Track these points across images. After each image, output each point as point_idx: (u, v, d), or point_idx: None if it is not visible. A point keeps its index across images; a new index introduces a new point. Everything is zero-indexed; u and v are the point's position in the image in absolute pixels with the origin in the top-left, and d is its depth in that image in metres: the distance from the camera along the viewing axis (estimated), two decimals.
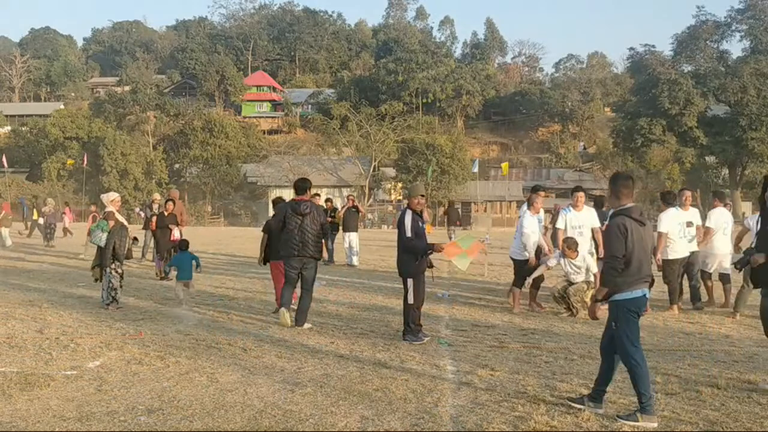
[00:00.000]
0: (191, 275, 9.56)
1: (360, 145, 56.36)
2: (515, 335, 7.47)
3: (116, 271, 9.10)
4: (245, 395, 5.07)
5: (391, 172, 54.82)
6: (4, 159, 50.56)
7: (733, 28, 55.03)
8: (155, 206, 16.12)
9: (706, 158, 51.99)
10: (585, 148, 70.02)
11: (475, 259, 7.86)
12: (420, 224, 7.21)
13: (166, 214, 13.18)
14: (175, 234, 12.93)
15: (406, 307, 7.12)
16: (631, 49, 63.11)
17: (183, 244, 10.24)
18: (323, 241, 8.19)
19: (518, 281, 9.21)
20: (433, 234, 29.93)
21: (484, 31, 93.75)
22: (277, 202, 9.47)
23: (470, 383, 5.43)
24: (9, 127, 70.76)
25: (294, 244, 7.80)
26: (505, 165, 50.79)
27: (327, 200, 17.35)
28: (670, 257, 9.03)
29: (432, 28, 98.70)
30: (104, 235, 9.02)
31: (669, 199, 9.35)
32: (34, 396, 5.04)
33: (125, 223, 9.55)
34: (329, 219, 15.73)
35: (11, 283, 11.92)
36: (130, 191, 51.49)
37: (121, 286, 9.24)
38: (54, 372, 5.72)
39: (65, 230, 26.61)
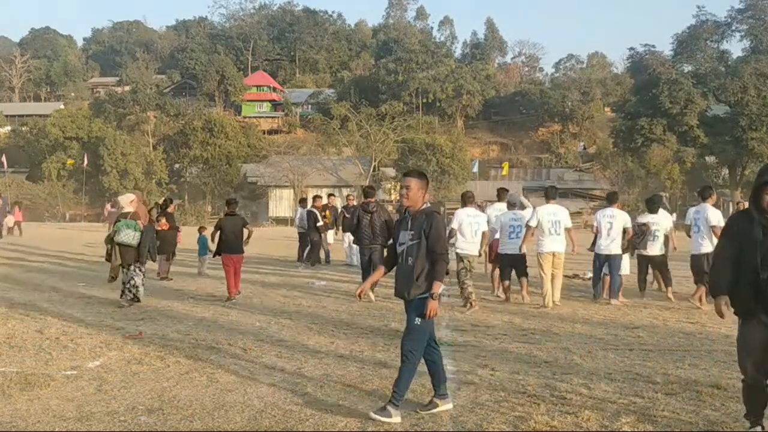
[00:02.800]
0: (206, 252, 12.99)
1: (360, 145, 56.36)
2: (515, 335, 7.46)
3: (140, 269, 9.35)
4: (245, 395, 5.06)
5: (391, 172, 54.81)
6: (4, 159, 50.63)
7: (733, 28, 55.12)
8: (124, 208, 16.15)
9: (706, 158, 52.03)
10: (585, 148, 70.04)
11: None
12: None
13: (170, 213, 13.24)
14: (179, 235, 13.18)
15: None
16: (631, 49, 63.23)
17: (202, 229, 14.09)
18: (386, 234, 9.97)
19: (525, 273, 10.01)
20: None
21: (484, 31, 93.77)
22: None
23: (470, 383, 5.43)
24: (9, 127, 70.79)
25: (366, 235, 10.19)
26: (505, 165, 50.81)
27: (315, 197, 16.88)
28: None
29: (432, 28, 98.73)
30: (137, 234, 9.18)
31: (552, 194, 9.93)
32: (34, 396, 5.03)
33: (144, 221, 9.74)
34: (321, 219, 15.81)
35: (11, 283, 11.92)
36: (131, 191, 51.44)
37: (168, 279, 9.70)
38: (54, 372, 5.72)
39: (10, 229, 26.90)
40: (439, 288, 4.61)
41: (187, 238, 16.53)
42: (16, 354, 6.40)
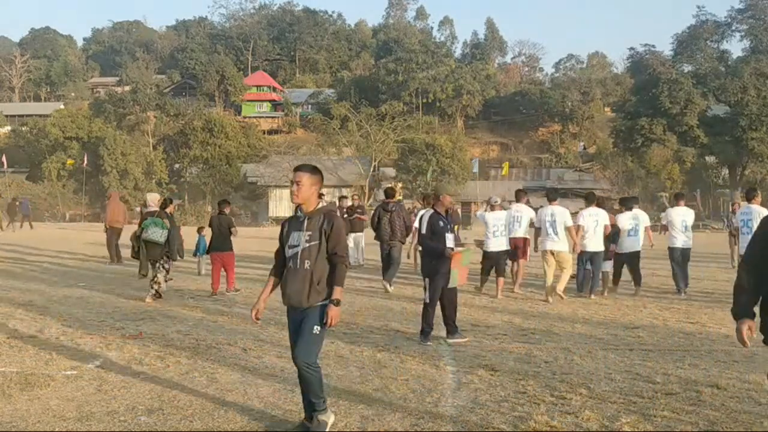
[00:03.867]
0: (205, 251, 12.81)
1: (360, 145, 56.35)
2: (515, 335, 7.46)
3: (164, 266, 9.86)
4: (245, 395, 5.06)
5: (391, 172, 54.82)
6: (4, 159, 50.60)
7: (734, 28, 55.13)
8: (151, 207, 16.12)
9: (706, 158, 52.03)
10: (585, 148, 70.05)
11: (460, 285, 8.06)
12: (440, 224, 7.20)
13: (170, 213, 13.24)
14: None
15: (424, 306, 7.17)
16: (631, 49, 63.17)
17: (200, 230, 13.95)
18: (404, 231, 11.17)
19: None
20: None
21: (484, 31, 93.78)
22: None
23: (470, 383, 5.43)
24: (9, 127, 70.79)
25: (385, 232, 11.39)
26: (505, 165, 50.79)
27: (341, 197, 17.78)
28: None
29: (432, 28, 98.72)
30: (164, 232, 9.68)
31: (552, 196, 10.71)
32: (34, 396, 5.03)
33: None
34: None
35: (11, 283, 11.92)
36: (130, 191, 51.54)
37: (166, 280, 10.01)
38: (54, 372, 5.72)
39: None
40: (340, 293, 4.23)
41: (187, 237, 16.51)
42: (16, 354, 6.39)
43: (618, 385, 5.39)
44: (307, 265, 4.21)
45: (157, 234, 9.65)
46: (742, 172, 50.77)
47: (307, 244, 4.23)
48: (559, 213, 10.01)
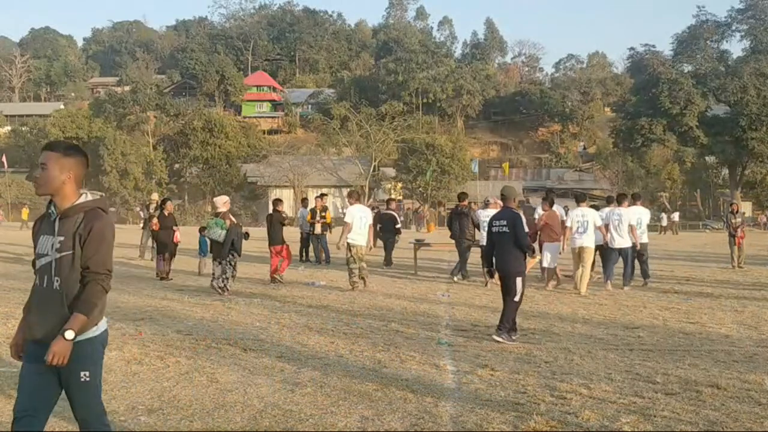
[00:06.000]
0: (206, 252, 12.79)
1: (360, 145, 56.43)
2: None
3: (231, 263, 10.41)
4: (245, 395, 5.06)
5: (391, 172, 54.86)
6: (4, 159, 50.68)
7: (734, 28, 55.23)
8: (152, 206, 16.11)
9: (706, 158, 52.06)
10: (585, 148, 70.10)
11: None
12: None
13: (166, 214, 13.20)
14: (177, 235, 13.06)
15: (514, 306, 7.21)
16: (631, 49, 63.31)
17: (202, 230, 13.42)
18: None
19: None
20: (434, 233, 29.89)
21: (484, 31, 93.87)
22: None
23: (470, 383, 5.43)
24: (9, 127, 70.86)
25: (457, 232, 12.78)
26: (505, 165, 50.85)
27: (390, 199, 19.04)
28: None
29: (432, 28, 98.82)
30: (223, 232, 10.30)
31: (581, 198, 11.71)
32: None
33: (233, 220, 10.74)
34: (320, 219, 15.93)
35: (11, 283, 11.92)
36: (130, 191, 51.58)
37: (234, 276, 10.54)
38: None
39: None
40: (80, 324, 2.85)
41: (187, 237, 16.54)
42: None
43: (618, 385, 5.38)
44: (56, 283, 2.93)
45: (216, 234, 10.35)
46: (742, 172, 50.79)
47: (58, 255, 2.93)
48: (589, 213, 10.99)
